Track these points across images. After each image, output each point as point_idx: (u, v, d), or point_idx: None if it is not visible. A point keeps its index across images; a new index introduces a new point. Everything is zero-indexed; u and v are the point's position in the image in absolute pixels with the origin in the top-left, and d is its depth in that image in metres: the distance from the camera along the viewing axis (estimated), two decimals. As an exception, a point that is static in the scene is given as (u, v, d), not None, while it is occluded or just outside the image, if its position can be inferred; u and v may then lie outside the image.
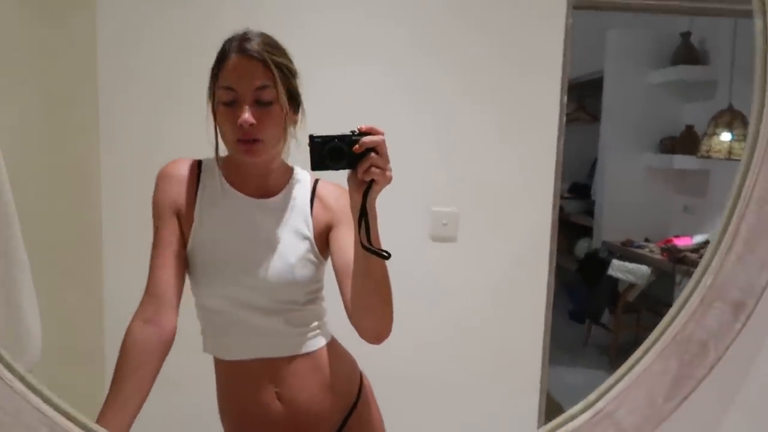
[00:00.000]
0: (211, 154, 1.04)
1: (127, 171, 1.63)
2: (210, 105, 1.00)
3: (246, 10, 1.57)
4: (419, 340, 1.70)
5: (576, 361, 3.66)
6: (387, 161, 0.85)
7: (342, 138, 0.83)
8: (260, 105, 0.94)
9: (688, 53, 3.32)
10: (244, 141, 0.95)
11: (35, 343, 1.13)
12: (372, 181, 0.84)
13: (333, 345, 1.11)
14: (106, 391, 1.67)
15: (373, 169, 0.83)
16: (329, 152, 0.83)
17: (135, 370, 0.98)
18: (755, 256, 0.51)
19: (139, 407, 0.97)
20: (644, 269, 3.35)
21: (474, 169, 1.69)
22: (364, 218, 0.86)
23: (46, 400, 0.54)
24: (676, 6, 1.75)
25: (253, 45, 0.96)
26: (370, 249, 0.87)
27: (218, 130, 1.00)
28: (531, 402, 1.76)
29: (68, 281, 1.55)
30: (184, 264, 1.01)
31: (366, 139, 0.83)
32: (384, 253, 0.89)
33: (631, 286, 3.40)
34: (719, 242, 0.53)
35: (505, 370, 1.74)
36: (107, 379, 1.69)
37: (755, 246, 0.51)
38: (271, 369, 1.03)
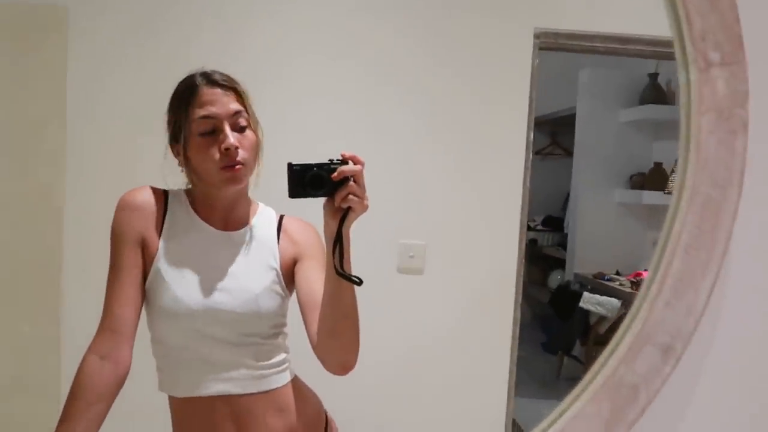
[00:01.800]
0: (176, 187, 1.05)
1: (93, 200, 1.62)
2: (174, 142, 1.01)
3: (216, 44, 1.59)
4: (386, 372, 1.69)
5: (549, 393, 3.65)
6: (364, 190, 0.87)
7: (321, 166, 0.85)
8: (237, 130, 0.97)
9: (655, 93, 3.41)
10: (229, 167, 0.95)
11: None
12: (349, 208, 0.85)
13: (296, 383, 1.08)
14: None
15: (351, 197, 0.85)
16: (310, 179, 0.84)
17: (88, 407, 0.95)
18: (682, 302, 0.53)
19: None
20: (615, 302, 3.37)
21: (441, 203, 1.72)
22: (338, 244, 0.86)
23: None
24: (639, 50, 1.81)
25: (218, 76, 0.99)
26: (344, 274, 0.88)
27: (191, 164, 1.00)
28: (497, 435, 1.76)
29: (25, 311, 1.53)
30: (142, 297, 0.99)
31: (345, 167, 0.85)
32: (355, 279, 0.89)
33: (602, 318, 3.42)
34: (648, 287, 0.55)
35: (472, 403, 1.74)
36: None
37: (683, 292, 0.53)
38: (233, 407, 1.00)
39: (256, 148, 1.00)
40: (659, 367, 0.52)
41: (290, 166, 0.86)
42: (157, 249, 0.99)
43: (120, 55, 1.60)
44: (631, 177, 3.72)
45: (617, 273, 3.63)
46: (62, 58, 1.56)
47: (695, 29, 0.52)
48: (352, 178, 0.86)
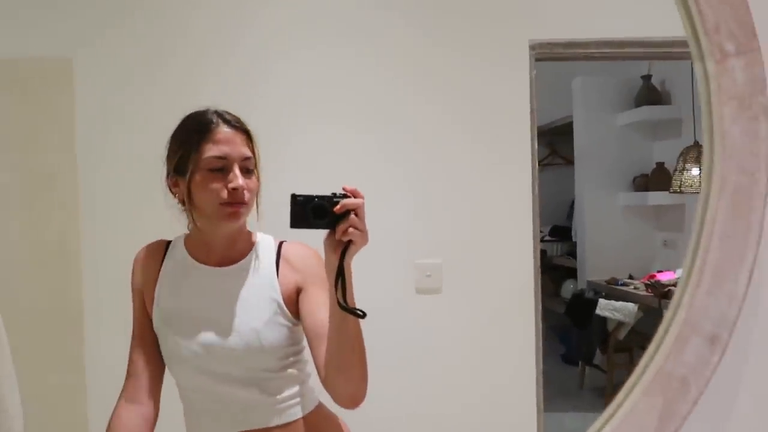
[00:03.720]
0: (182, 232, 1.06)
1: (108, 247, 1.63)
2: (176, 175, 1.01)
3: (221, 87, 1.61)
4: (408, 394, 1.68)
5: (573, 405, 3.60)
6: (364, 223, 0.87)
7: (322, 198, 0.86)
8: (245, 173, 0.98)
9: (650, 94, 3.45)
10: (232, 204, 0.97)
11: (17, 429, 1.09)
12: (350, 241, 0.86)
13: (321, 411, 1.07)
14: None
15: (352, 230, 0.85)
16: (313, 210, 0.85)
17: None
18: (723, 290, 0.53)
19: None
20: (631, 306, 3.35)
21: (455, 220, 1.72)
22: (341, 278, 0.87)
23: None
24: (632, 53, 1.83)
25: (231, 117, 1.00)
26: (347, 308, 0.88)
27: (193, 198, 1.00)
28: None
29: (51, 361, 1.52)
30: (157, 344, 1.02)
31: (347, 201, 0.85)
32: (359, 312, 0.88)
33: (620, 324, 3.40)
34: (688, 279, 0.55)
35: (500, 421, 1.72)
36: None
37: (723, 279, 0.53)
38: None
39: (257, 192, 1.02)
40: (707, 358, 0.52)
41: (293, 197, 0.87)
42: (153, 298, 1.02)
43: (127, 101, 1.62)
44: (635, 179, 3.74)
45: (630, 277, 3.62)
46: (70, 107, 1.58)
47: (708, 22, 0.53)
48: (353, 212, 0.86)
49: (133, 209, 1.64)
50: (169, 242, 1.08)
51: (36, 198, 1.58)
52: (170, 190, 1.03)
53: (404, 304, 1.69)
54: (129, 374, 1.02)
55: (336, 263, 0.86)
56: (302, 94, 1.67)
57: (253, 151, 1.00)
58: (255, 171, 1.00)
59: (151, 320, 1.02)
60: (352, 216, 0.85)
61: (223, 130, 0.98)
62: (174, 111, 1.67)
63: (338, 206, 0.85)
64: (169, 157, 1.02)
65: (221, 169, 0.97)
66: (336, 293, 0.87)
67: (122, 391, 1.02)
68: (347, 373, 0.93)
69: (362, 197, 0.87)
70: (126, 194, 1.65)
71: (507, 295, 1.73)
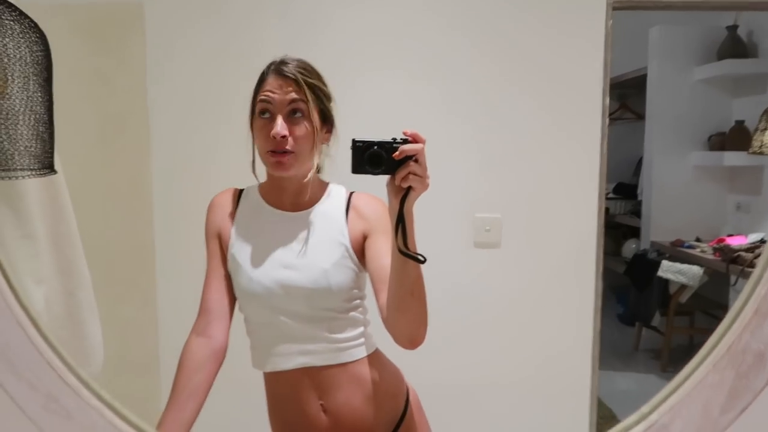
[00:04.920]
0: (258, 180, 1.09)
1: (178, 188, 1.68)
2: (250, 123, 1.05)
3: (288, 33, 1.61)
4: (464, 347, 1.70)
5: (627, 366, 3.57)
6: (425, 169, 0.85)
7: (382, 144, 0.85)
8: (292, 120, 0.99)
9: (734, 47, 3.21)
10: (275, 152, 0.99)
11: (98, 356, 1.18)
12: (409, 188, 0.85)
13: (377, 357, 1.11)
14: (163, 399, 1.73)
15: (411, 176, 0.83)
16: (369, 158, 0.84)
17: (190, 378, 1.04)
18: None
19: (195, 412, 1.02)
20: (696, 270, 3.23)
21: (516, 175, 1.68)
22: (401, 223, 0.87)
23: (109, 407, 0.57)
24: (720, 2, 1.70)
25: (289, 67, 1.01)
26: (407, 254, 0.89)
27: (254, 141, 1.03)
28: (581, 409, 1.73)
29: (125, 295, 1.61)
30: (229, 282, 1.07)
31: (405, 147, 0.84)
32: (420, 257, 0.88)
33: (683, 287, 3.29)
34: (773, 250, 0.52)
35: (554, 376, 1.72)
36: (164, 386, 1.75)
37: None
38: (314, 379, 1.04)
39: (310, 140, 1.01)
40: (787, 334, 0.50)
41: (354, 142, 0.86)
42: (230, 237, 1.06)
43: (195, 44, 1.64)
44: (710, 138, 3.54)
45: (697, 240, 3.48)
46: (141, 51, 1.62)
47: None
48: (413, 157, 0.84)
49: (201, 149, 1.69)
50: (241, 190, 1.11)
51: (109, 139, 1.64)
52: None
53: (461, 258, 1.69)
54: (201, 310, 1.06)
55: (397, 208, 0.86)
56: (368, 42, 1.64)
57: (306, 98, 1.00)
58: (307, 117, 1.00)
59: (224, 261, 1.07)
60: (412, 162, 0.84)
61: (272, 78, 1.01)
62: (240, 55, 1.69)
63: (397, 152, 0.84)
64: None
65: (268, 115, 1.00)
66: (396, 238, 0.87)
67: (194, 325, 1.07)
68: (406, 315, 0.95)
69: (423, 141, 0.85)
70: (195, 136, 1.70)
71: (567, 254, 1.69)
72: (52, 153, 0.74)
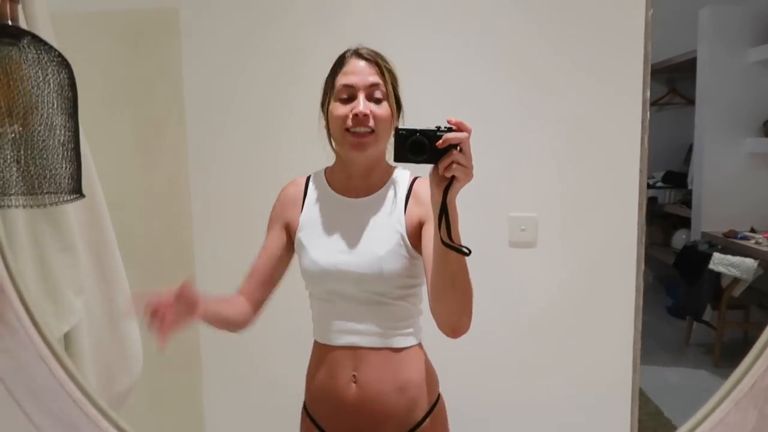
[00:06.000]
0: (316, 168, 1.16)
1: (215, 190, 1.72)
2: (322, 106, 1.10)
3: (325, 37, 1.60)
4: (502, 347, 1.68)
5: (677, 361, 3.46)
6: (470, 159, 0.83)
7: (425, 132, 0.84)
8: (372, 101, 1.03)
9: (792, 27, 3.02)
10: (355, 133, 1.02)
11: (137, 360, 1.22)
12: (453, 177, 0.83)
13: (418, 353, 1.13)
14: (205, 394, 1.78)
15: (455, 165, 0.82)
16: (411, 145, 0.84)
17: (220, 303, 1.12)
18: None
19: (221, 309, 1.10)
20: (750, 262, 3.09)
21: (552, 172, 1.64)
22: (444, 214, 0.86)
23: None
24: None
25: (365, 51, 1.07)
26: (450, 245, 0.87)
27: (329, 127, 1.08)
28: (623, 410, 1.69)
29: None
30: (276, 268, 1.15)
31: (449, 135, 0.82)
32: (465, 250, 0.88)
33: (736, 280, 3.15)
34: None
35: (595, 378, 1.68)
36: (205, 382, 1.81)
37: None
38: (355, 356, 1.09)
39: (388, 120, 1.05)
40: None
41: (397, 130, 0.86)
42: (298, 224, 1.13)
43: (231, 51, 1.67)
44: (765, 123, 3.37)
45: (752, 230, 3.33)
46: (177, 58, 1.65)
47: None
48: (458, 146, 0.83)
49: (237, 154, 1.72)
50: (308, 177, 1.18)
51: (148, 144, 1.69)
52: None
53: (496, 258, 1.66)
54: (249, 275, 1.15)
55: (439, 199, 0.85)
56: (400, 37, 1.63)
57: (385, 81, 1.05)
58: (386, 99, 1.05)
59: (282, 242, 1.14)
60: (456, 151, 0.82)
61: (353, 62, 1.06)
62: (277, 61, 1.71)
63: (440, 141, 0.83)
64: (322, 93, 1.11)
65: (350, 98, 1.04)
66: (438, 229, 0.86)
67: (240, 287, 1.16)
68: (448, 305, 0.96)
69: (469, 130, 0.84)
70: (230, 141, 1.73)
71: (606, 253, 1.64)
72: (80, 178, 0.77)
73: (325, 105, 1.08)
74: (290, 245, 1.15)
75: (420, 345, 1.14)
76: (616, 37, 1.59)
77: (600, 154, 1.62)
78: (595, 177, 1.63)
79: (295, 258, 1.16)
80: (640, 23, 1.57)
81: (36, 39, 0.67)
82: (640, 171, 1.63)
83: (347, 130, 1.03)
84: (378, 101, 1.04)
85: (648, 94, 1.61)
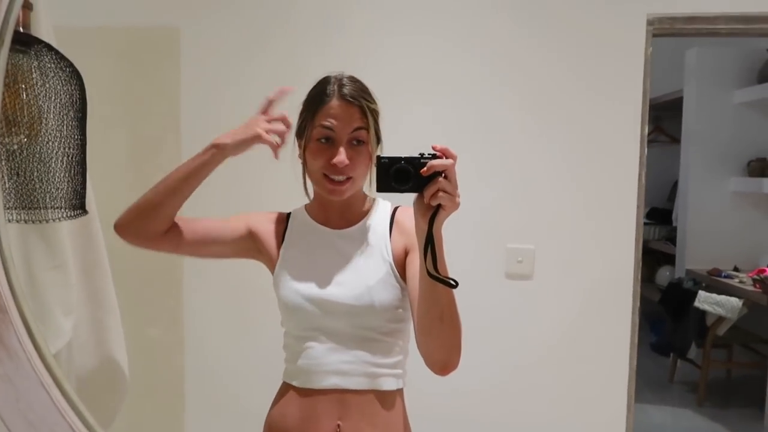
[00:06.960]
0: (295, 205, 1.08)
1: (207, 212, 1.68)
2: (298, 137, 1.02)
3: (323, 56, 1.60)
4: (496, 379, 1.65)
5: (662, 399, 3.43)
6: (456, 186, 0.79)
7: (409, 160, 0.80)
8: (353, 145, 0.97)
9: (777, 71, 3.11)
10: (332, 180, 0.97)
11: (123, 380, 1.18)
12: (439, 206, 0.80)
13: (402, 398, 1.05)
14: (188, 418, 1.72)
15: (441, 193, 0.78)
16: (395, 173, 0.80)
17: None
18: None
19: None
20: (735, 301, 3.10)
21: (550, 204, 1.63)
22: (430, 245, 0.82)
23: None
24: (763, 29, 1.64)
25: (351, 91, 0.99)
26: (437, 277, 0.83)
27: (306, 163, 1.01)
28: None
29: (152, 316, 1.61)
30: (215, 240, 1.07)
31: (434, 162, 0.79)
32: (451, 282, 0.82)
33: (721, 319, 3.15)
34: None
35: (588, 413, 1.66)
36: (188, 406, 1.75)
37: None
38: (340, 401, 1.00)
39: (367, 164, 0.99)
40: None
41: (379, 158, 0.81)
42: (278, 257, 1.06)
43: (230, 71, 1.65)
44: (749, 163, 3.43)
45: (736, 269, 3.36)
46: (176, 76, 1.63)
47: None
48: (443, 174, 0.79)
49: (232, 175, 1.68)
50: (288, 214, 1.11)
51: (143, 161, 1.66)
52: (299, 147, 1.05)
53: (493, 289, 1.64)
54: (196, 219, 1.07)
55: (425, 228, 0.81)
56: (402, 69, 1.63)
57: (368, 125, 0.98)
58: (368, 143, 0.98)
59: (238, 234, 1.06)
60: (441, 178, 0.78)
61: (336, 103, 0.98)
62: (275, 81, 1.68)
63: (425, 168, 0.79)
64: (299, 116, 1.03)
65: (329, 140, 0.98)
66: (425, 261, 0.82)
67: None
68: (435, 340, 0.90)
69: (454, 157, 0.80)
70: (225, 161, 1.69)
71: (602, 286, 1.64)
72: (84, 193, 0.73)
73: (302, 139, 1.02)
74: (241, 244, 1.07)
75: (402, 392, 1.06)
76: (616, 75, 1.61)
77: (598, 188, 1.62)
78: (592, 210, 1.63)
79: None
80: (640, 61, 1.60)
81: (48, 47, 0.65)
82: (637, 206, 1.64)
83: (325, 175, 0.97)
84: (358, 144, 0.98)
85: (646, 131, 1.63)
